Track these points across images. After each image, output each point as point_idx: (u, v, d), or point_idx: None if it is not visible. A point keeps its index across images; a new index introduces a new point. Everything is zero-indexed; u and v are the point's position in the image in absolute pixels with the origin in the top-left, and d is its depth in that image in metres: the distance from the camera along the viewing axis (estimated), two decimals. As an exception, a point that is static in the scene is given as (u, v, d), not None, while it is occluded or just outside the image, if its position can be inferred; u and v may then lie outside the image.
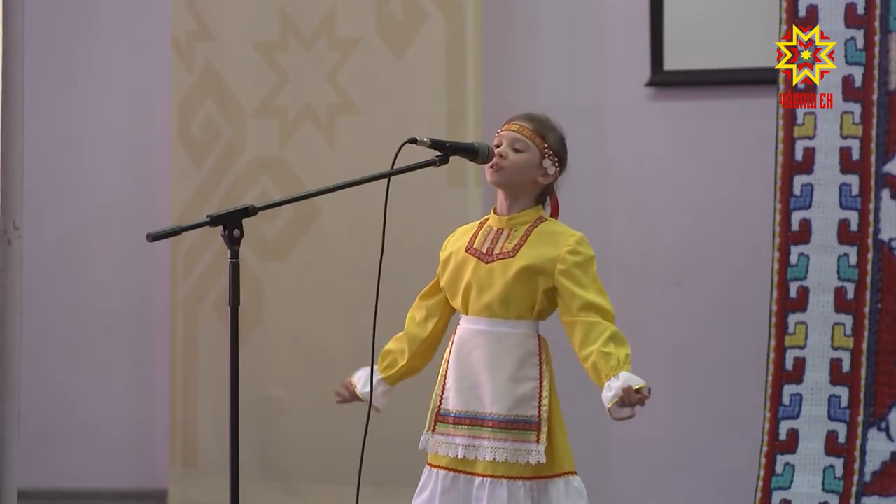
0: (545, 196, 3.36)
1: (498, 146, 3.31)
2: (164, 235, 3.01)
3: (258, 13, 5.57)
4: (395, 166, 3.32)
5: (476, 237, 3.34)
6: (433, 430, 3.32)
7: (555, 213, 3.38)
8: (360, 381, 3.46)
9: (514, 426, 3.22)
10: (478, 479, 3.25)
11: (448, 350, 3.35)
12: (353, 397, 3.47)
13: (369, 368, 3.42)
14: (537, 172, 3.31)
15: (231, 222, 3.01)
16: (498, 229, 3.32)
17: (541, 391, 3.24)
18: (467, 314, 3.31)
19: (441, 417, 3.32)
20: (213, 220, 3.02)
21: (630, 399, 3.12)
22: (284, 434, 5.50)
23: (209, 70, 5.63)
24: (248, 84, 5.59)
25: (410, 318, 3.46)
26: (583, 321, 3.21)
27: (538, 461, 3.21)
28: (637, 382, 3.13)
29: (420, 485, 3.33)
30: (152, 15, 5.84)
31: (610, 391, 3.14)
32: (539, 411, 3.23)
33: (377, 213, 3.30)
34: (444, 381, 3.33)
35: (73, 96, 5.90)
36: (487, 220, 3.37)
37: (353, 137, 5.46)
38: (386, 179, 3.30)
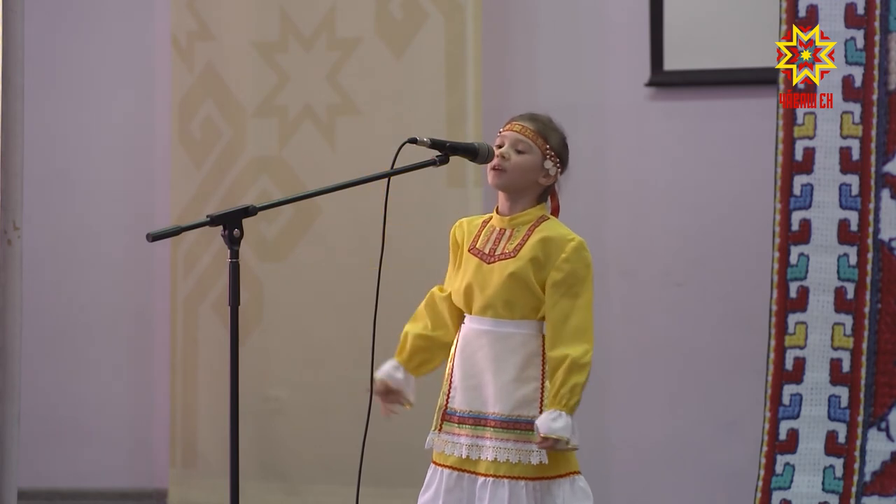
0: (546, 196, 3.36)
1: (500, 146, 3.31)
2: (164, 235, 3.01)
3: (258, 13, 5.57)
4: (395, 166, 3.32)
5: (479, 237, 3.34)
6: (440, 430, 3.33)
7: (555, 213, 3.38)
8: (390, 376, 3.39)
9: (517, 426, 3.23)
10: (481, 479, 3.26)
11: (453, 349, 3.35)
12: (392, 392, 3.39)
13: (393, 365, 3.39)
14: (539, 174, 3.31)
15: (231, 222, 3.02)
16: (500, 229, 3.32)
17: (543, 392, 3.24)
18: (471, 314, 3.32)
19: (447, 417, 3.33)
20: (213, 220, 3.02)
21: (542, 445, 3.19)
22: (284, 434, 5.50)
23: (209, 70, 5.63)
24: (248, 84, 5.59)
25: (437, 313, 3.41)
26: (552, 331, 3.23)
27: (540, 461, 3.21)
28: (554, 433, 3.15)
29: (425, 482, 3.34)
30: (152, 15, 5.84)
31: (539, 425, 3.18)
32: (541, 412, 3.23)
33: (377, 213, 3.31)
34: (451, 381, 3.34)
35: (73, 96, 5.90)
36: (491, 218, 3.37)
37: (353, 137, 5.46)
38: (386, 179, 3.30)
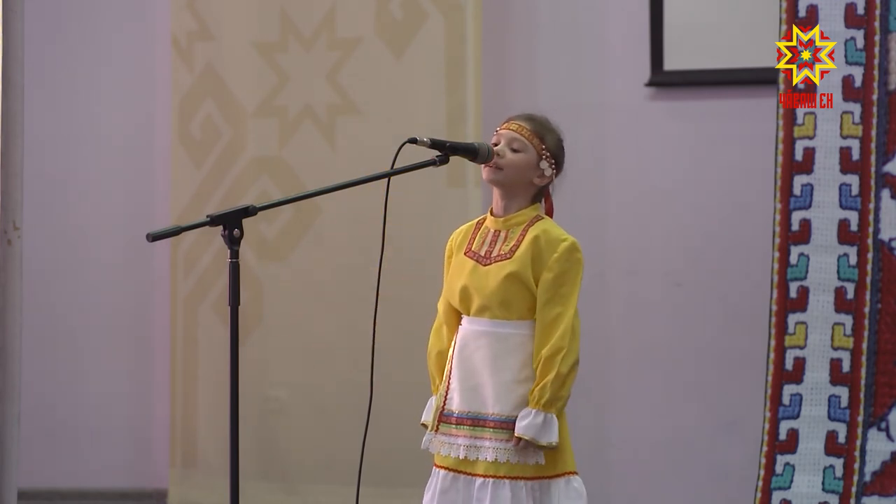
0: (540, 197, 3.36)
1: (496, 144, 3.31)
2: (164, 235, 3.01)
3: (258, 13, 5.58)
4: (395, 166, 3.32)
5: (474, 240, 3.34)
6: (437, 431, 3.32)
7: (549, 214, 3.37)
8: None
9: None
10: (479, 480, 3.25)
11: (451, 350, 3.35)
12: None
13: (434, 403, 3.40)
14: (534, 174, 3.31)
15: (231, 222, 3.02)
16: (495, 231, 3.32)
17: (541, 392, 3.24)
18: (469, 315, 3.31)
19: (444, 418, 3.32)
20: (213, 220, 3.02)
21: (516, 445, 3.20)
22: (284, 434, 5.50)
23: (209, 70, 5.63)
24: (248, 84, 5.59)
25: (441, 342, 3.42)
26: (540, 333, 3.23)
27: (537, 461, 3.21)
28: (526, 433, 3.16)
29: (428, 484, 3.34)
30: (152, 15, 5.84)
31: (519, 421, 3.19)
32: (539, 412, 3.23)
33: (377, 213, 3.30)
34: (448, 382, 3.33)
35: (73, 96, 5.90)
36: (485, 220, 3.37)
37: (353, 137, 5.46)
38: (386, 179, 3.30)
